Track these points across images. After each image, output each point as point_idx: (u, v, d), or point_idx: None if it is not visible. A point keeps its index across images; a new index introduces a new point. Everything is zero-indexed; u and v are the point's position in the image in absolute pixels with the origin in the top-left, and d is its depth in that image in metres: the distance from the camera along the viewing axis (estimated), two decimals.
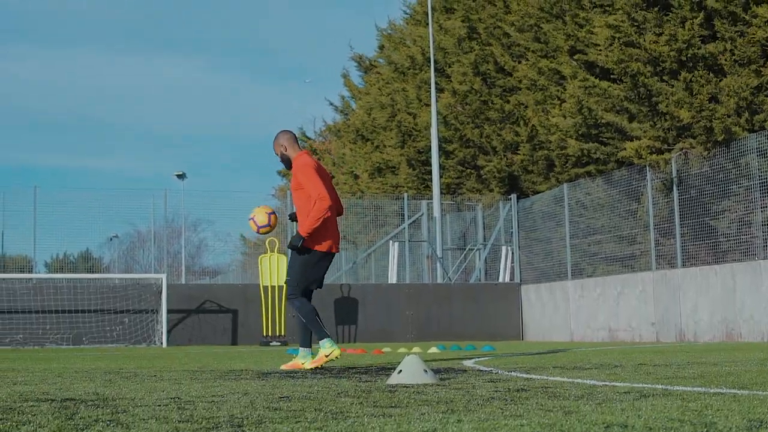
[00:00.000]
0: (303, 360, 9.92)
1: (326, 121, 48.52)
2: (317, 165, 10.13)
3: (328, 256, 10.17)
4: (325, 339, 9.83)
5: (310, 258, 10.08)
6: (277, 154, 10.34)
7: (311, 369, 9.54)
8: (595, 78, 24.49)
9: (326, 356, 9.75)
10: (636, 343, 20.98)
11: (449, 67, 33.44)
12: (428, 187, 33.69)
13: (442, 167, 31.56)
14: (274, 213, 10.63)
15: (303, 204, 10.05)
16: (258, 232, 10.72)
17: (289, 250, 10.22)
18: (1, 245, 27.79)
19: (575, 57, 25.69)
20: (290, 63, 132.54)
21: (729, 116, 21.39)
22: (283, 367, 9.81)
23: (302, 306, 10.01)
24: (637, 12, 23.35)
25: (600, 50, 24.12)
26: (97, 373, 9.02)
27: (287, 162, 10.27)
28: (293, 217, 10.44)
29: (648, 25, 23.19)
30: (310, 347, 10.11)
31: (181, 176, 58.23)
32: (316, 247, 10.04)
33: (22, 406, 5.20)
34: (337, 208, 10.15)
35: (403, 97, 36.60)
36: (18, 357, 15.26)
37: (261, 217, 10.51)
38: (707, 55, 22.14)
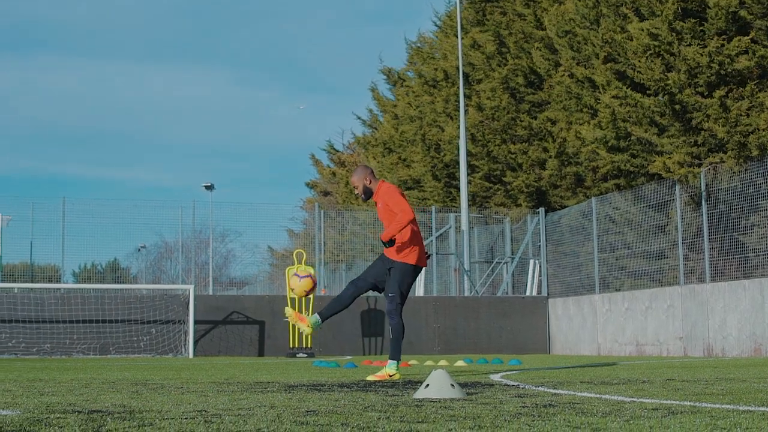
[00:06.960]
0: (392, 371, 10.50)
1: (355, 134, 48.39)
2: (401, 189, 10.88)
3: (418, 269, 10.82)
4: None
5: (405, 270, 10.71)
6: (356, 187, 10.87)
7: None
8: (629, 89, 24.24)
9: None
10: (663, 357, 20.85)
11: (478, 83, 33.31)
12: (455, 201, 33.61)
13: (469, 182, 31.49)
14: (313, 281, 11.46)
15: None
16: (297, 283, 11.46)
17: (389, 270, 10.75)
18: (30, 255, 27.95)
19: (608, 65, 25.41)
20: (320, 77, 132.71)
21: (763, 130, 21.22)
22: (371, 377, 10.32)
23: (398, 325, 10.69)
24: (675, 22, 23.06)
25: (637, 60, 23.79)
26: (124, 384, 9.04)
27: (369, 193, 10.81)
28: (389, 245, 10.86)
29: (685, 36, 22.89)
30: (399, 360, 10.75)
31: (209, 187, 58.38)
32: (408, 261, 10.69)
33: (49, 417, 5.21)
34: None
35: (431, 110, 36.43)
36: (45, 367, 15.32)
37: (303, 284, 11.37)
38: (743, 69, 21.95)
